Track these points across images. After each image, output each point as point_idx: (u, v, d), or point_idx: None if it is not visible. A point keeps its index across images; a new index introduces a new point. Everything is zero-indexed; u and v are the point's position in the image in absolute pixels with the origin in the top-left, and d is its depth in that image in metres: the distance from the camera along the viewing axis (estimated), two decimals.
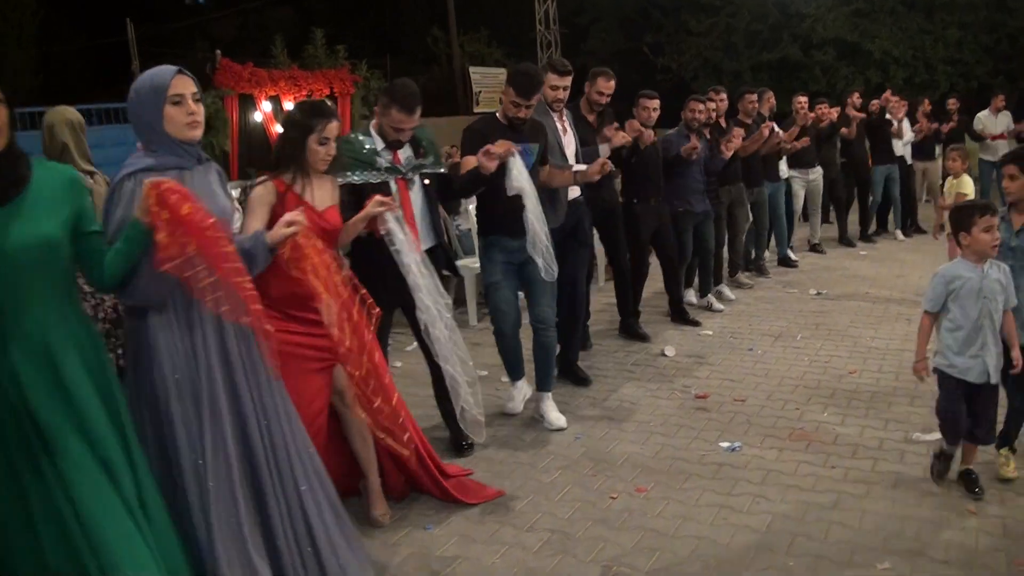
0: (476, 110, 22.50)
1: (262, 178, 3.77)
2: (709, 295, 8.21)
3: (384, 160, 4.44)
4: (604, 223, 6.79)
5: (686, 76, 24.79)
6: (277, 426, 3.27)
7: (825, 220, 11.63)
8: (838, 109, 10.54)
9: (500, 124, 5.12)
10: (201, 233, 2.93)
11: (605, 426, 5.33)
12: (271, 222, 3.58)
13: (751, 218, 9.17)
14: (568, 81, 5.62)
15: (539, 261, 4.82)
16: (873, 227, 11.65)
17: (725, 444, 4.93)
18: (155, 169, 3.06)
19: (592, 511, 4.21)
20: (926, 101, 12.09)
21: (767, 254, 9.91)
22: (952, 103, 12.45)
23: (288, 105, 15.90)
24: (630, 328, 7.28)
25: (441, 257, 4.81)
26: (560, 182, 5.53)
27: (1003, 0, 21.09)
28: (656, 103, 7.07)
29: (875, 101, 11.08)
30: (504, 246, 5.16)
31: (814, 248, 10.78)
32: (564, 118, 5.85)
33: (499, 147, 4.57)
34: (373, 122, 4.55)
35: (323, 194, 3.82)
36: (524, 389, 5.64)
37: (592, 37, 27.54)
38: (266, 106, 15.51)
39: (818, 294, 8.58)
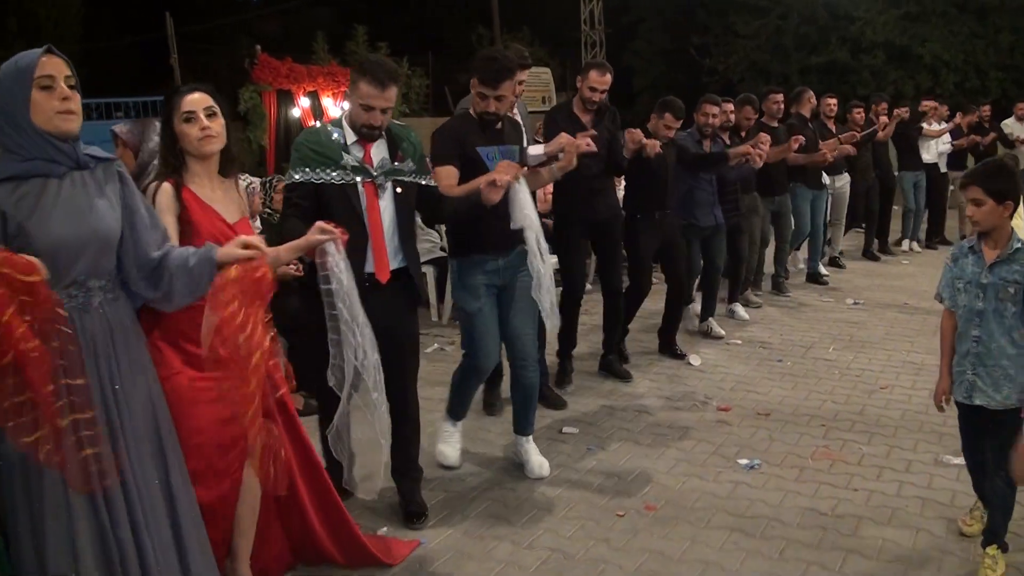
0: None
1: (150, 181, 3.19)
2: (710, 319, 7.36)
3: (352, 158, 3.75)
4: (600, 237, 6.08)
5: (733, 78, 24.42)
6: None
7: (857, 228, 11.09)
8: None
9: (479, 125, 4.42)
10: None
11: (620, 437, 5.12)
12: (188, 237, 3.07)
13: (771, 231, 8.61)
14: (524, 75, 5.05)
15: (545, 305, 4.16)
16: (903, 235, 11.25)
17: (744, 461, 4.70)
18: (15, 178, 2.54)
19: (596, 529, 4.01)
20: (974, 110, 11.69)
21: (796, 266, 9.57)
22: (985, 110, 12.00)
23: (327, 101, 15.87)
24: (610, 365, 6.29)
25: (410, 287, 4.01)
26: (540, 183, 4.74)
27: None
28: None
29: (897, 110, 10.35)
30: (485, 266, 4.41)
31: (833, 262, 10.07)
32: (514, 112, 4.96)
33: (506, 173, 3.86)
34: (345, 112, 3.94)
35: (229, 203, 3.26)
36: (459, 433, 4.83)
37: (638, 37, 27.25)
38: (304, 102, 15.47)
39: (855, 304, 8.31)
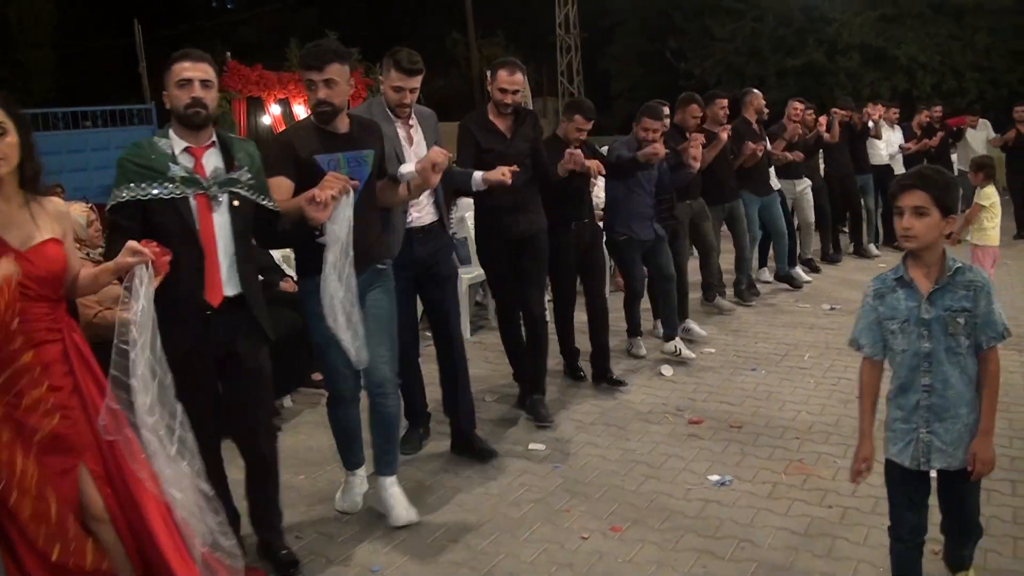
0: None
1: None
2: (676, 339, 6.69)
3: (181, 168, 3.34)
4: (521, 255, 5.38)
5: (710, 81, 24.35)
6: None
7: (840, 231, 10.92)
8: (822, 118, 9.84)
9: (318, 130, 3.87)
10: None
11: (587, 453, 4.93)
12: None
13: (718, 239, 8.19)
14: (416, 82, 4.41)
15: (343, 338, 3.62)
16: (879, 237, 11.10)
17: (715, 477, 4.52)
18: None
19: (559, 553, 3.82)
20: (923, 112, 11.65)
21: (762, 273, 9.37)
22: (936, 111, 11.94)
23: (298, 108, 15.67)
24: (533, 407, 5.51)
25: (245, 315, 3.52)
26: (397, 201, 4.29)
27: None
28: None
29: (835, 111, 9.99)
30: None
31: (807, 264, 9.77)
32: (410, 123, 4.54)
33: (330, 188, 3.45)
34: (173, 122, 3.49)
35: (15, 226, 2.90)
36: (364, 480, 4.37)
37: (615, 41, 27.16)
38: (275, 109, 15.30)
39: (831, 309, 8.16)
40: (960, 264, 2.89)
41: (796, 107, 9.22)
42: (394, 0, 27.59)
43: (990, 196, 7.24)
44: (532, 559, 3.78)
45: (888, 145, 10.83)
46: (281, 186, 3.70)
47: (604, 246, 6.35)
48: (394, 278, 4.28)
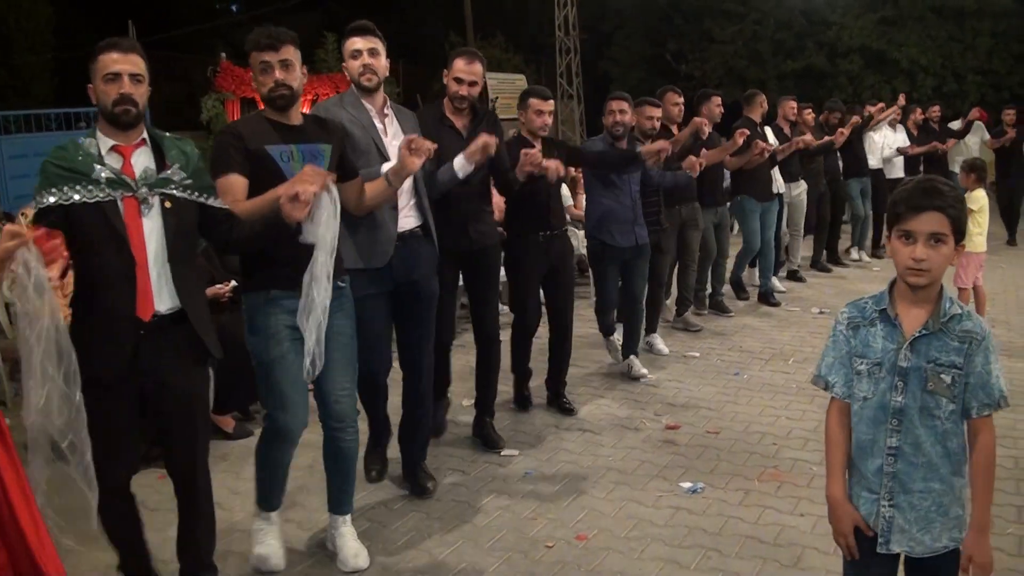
0: None
1: None
2: (632, 357, 6.33)
3: (107, 169, 3.03)
4: (471, 270, 4.99)
5: (710, 84, 24.23)
6: None
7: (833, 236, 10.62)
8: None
9: (268, 121, 3.52)
10: None
11: (560, 459, 4.85)
12: None
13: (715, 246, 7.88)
14: (372, 42, 4.06)
15: (309, 339, 3.29)
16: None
17: (687, 485, 4.43)
18: None
19: (522, 563, 3.73)
20: (917, 110, 11.44)
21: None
22: (934, 111, 11.74)
23: None
24: (482, 429, 5.16)
25: (183, 334, 3.18)
26: (381, 198, 3.88)
27: None
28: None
29: (854, 119, 9.80)
30: (288, 304, 3.46)
31: (792, 275, 9.51)
32: (386, 112, 4.16)
33: (311, 183, 3.11)
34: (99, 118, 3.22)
35: None
36: (278, 524, 3.83)
37: (615, 44, 27.05)
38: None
39: (820, 313, 8.06)
40: (959, 309, 2.35)
41: (792, 105, 9.01)
42: (393, 2, 27.51)
43: (979, 200, 7.14)
44: (495, 567, 3.70)
45: (885, 148, 10.65)
46: (235, 185, 3.39)
47: (575, 261, 5.97)
48: (368, 290, 4.03)
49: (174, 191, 3.14)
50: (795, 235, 9.50)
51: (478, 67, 4.63)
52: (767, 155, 7.93)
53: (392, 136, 4.12)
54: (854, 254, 10.74)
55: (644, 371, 6.27)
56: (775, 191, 8.63)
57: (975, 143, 11.85)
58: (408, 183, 4.08)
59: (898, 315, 2.38)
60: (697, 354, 6.82)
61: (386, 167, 3.91)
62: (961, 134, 11.67)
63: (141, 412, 3.20)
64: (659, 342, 6.94)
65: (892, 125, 10.79)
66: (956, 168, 11.53)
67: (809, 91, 20.13)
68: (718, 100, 7.70)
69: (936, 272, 2.29)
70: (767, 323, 7.75)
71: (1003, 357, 6.36)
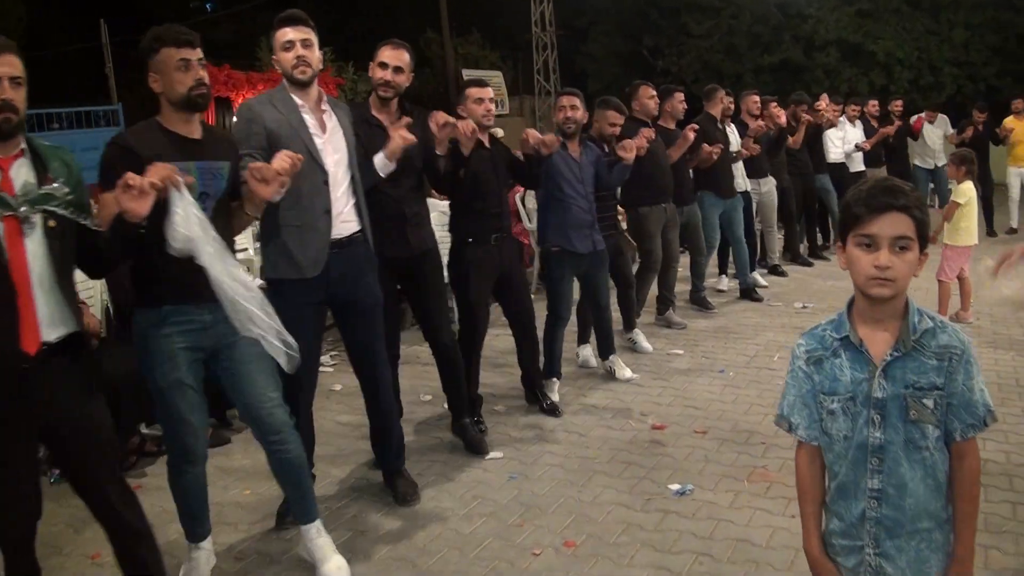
0: None
1: None
2: (612, 356, 6.14)
3: None
4: (411, 279, 4.71)
5: (686, 79, 24.21)
6: None
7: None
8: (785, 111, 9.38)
9: (164, 131, 3.18)
10: None
11: (546, 462, 4.74)
12: None
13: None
14: (304, 32, 3.77)
15: (271, 340, 3.07)
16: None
17: (675, 487, 4.34)
18: None
19: (509, 572, 3.62)
20: (872, 103, 11.28)
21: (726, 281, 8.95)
22: (896, 104, 11.52)
23: None
24: (463, 431, 4.99)
25: (76, 365, 2.87)
26: (239, 224, 3.57)
27: None
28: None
29: (805, 116, 9.65)
30: (183, 323, 3.20)
31: (774, 270, 9.42)
32: (323, 108, 3.89)
33: (153, 173, 2.80)
34: None
35: None
36: (212, 553, 3.67)
37: (591, 40, 26.99)
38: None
39: (804, 307, 8.00)
40: (931, 321, 2.03)
41: (754, 99, 8.87)
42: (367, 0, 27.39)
43: (966, 193, 7.10)
44: None
45: (845, 142, 10.49)
46: (109, 203, 2.94)
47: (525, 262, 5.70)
48: (300, 301, 3.80)
49: (57, 208, 2.76)
50: (768, 230, 9.43)
51: (405, 55, 4.36)
52: (716, 156, 7.66)
53: (330, 133, 3.87)
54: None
55: (628, 372, 6.10)
56: (744, 187, 8.55)
57: (938, 137, 11.75)
58: (345, 185, 3.91)
59: (863, 340, 2.06)
60: (681, 352, 6.73)
61: (378, 160, 4.05)
62: (908, 133, 11.55)
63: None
64: (642, 339, 6.81)
65: (851, 120, 10.68)
66: (918, 162, 11.49)
67: (786, 85, 20.13)
68: (681, 96, 7.56)
69: (902, 283, 1.98)
70: (751, 319, 7.68)
71: (988, 348, 6.35)
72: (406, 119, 4.13)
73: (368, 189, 4.10)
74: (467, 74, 22.86)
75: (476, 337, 5.18)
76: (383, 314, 4.22)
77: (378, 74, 4.36)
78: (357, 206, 3.99)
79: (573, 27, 25.95)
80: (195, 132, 3.24)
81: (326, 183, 3.82)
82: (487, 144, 5.00)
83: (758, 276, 8.89)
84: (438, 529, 4.03)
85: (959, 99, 19.89)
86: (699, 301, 8.06)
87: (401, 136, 4.03)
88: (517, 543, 3.86)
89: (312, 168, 3.73)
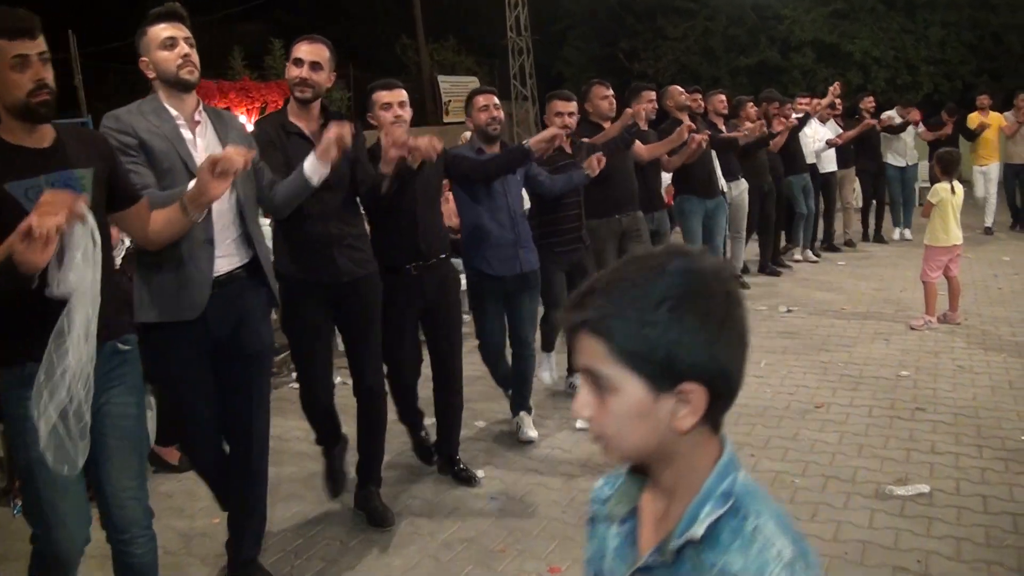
0: (445, 120, 21.86)
1: None
2: (521, 414, 5.23)
3: None
4: (341, 309, 4.03)
5: (663, 82, 24.08)
6: None
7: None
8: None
9: (7, 147, 2.62)
10: None
11: (528, 482, 4.55)
12: None
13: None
14: (181, 29, 3.21)
15: (42, 426, 2.43)
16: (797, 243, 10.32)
17: None
18: None
19: None
20: (833, 88, 10.37)
21: None
22: (868, 102, 11.10)
23: (240, 118, 15.24)
24: (366, 501, 4.24)
25: None
26: (176, 228, 3.02)
27: None
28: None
29: (783, 120, 9.27)
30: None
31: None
32: (197, 119, 3.29)
33: (50, 212, 2.30)
34: None
35: None
36: None
37: (567, 44, 26.86)
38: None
39: (788, 311, 7.85)
40: (734, 522, 1.16)
41: (720, 99, 8.54)
42: (341, 6, 27.13)
43: (938, 193, 6.98)
44: None
45: (815, 142, 10.14)
46: None
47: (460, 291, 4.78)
48: (175, 350, 3.25)
49: None
50: (737, 238, 8.94)
51: (324, 51, 3.80)
52: (704, 145, 7.14)
53: (204, 150, 3.25)
54: (797, 254, 10.20)
55: (532, 433, 5.11)
56: (723, 189, 8.24)
57: (909, 135, 11.56)
58: (230, 210, 3.29)
59: (641, 509, 1.29)
60: None
61: (308, 164, 3.45)
62: (898, 129, 11.33)
63: None
64: (546, 372, 5.86)
65: (822, 120, 10.31)
66: (890, 159, 11.25)
67: (764, 86, 20.01)
68: (651, 95, 6.88)
69: (618, 441, 1.19)
70: None
71: (979, 350, 6.23)
72: (345, 124, 3.52)
73: (292, 210, 3.61)
74: (443, 80, 22.73)
75: (404, 383, 4.59)
76: (313, 356, 3.92)
77: (293, 72, 3.76)
78: (244, 236, 3.36)
79: (549, 31, 25.82)
80: (44, 140, 2.66)
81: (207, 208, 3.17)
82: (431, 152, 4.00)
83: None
84: (416, 557, 3.83)
85: (936, 97, 19.84)
86: None
87: (335, 131, 3.41)
88: (499, 570, 3.67)
89: None
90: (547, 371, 5.84)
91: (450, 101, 22.06)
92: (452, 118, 21.65)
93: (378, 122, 4.15)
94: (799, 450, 4.73)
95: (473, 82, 23.36)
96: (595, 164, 5.13)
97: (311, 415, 4.26)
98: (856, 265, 9.91)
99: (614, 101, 6.24)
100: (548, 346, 5.85)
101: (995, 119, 11.48)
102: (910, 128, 11.42)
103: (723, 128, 8.51)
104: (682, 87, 8.11)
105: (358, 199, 4.07)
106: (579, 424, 5.23)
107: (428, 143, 3.79)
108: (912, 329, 7.00)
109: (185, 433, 3.46)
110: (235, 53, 17.20)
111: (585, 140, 5.68)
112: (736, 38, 23.48)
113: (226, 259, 3.29)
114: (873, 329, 7.10)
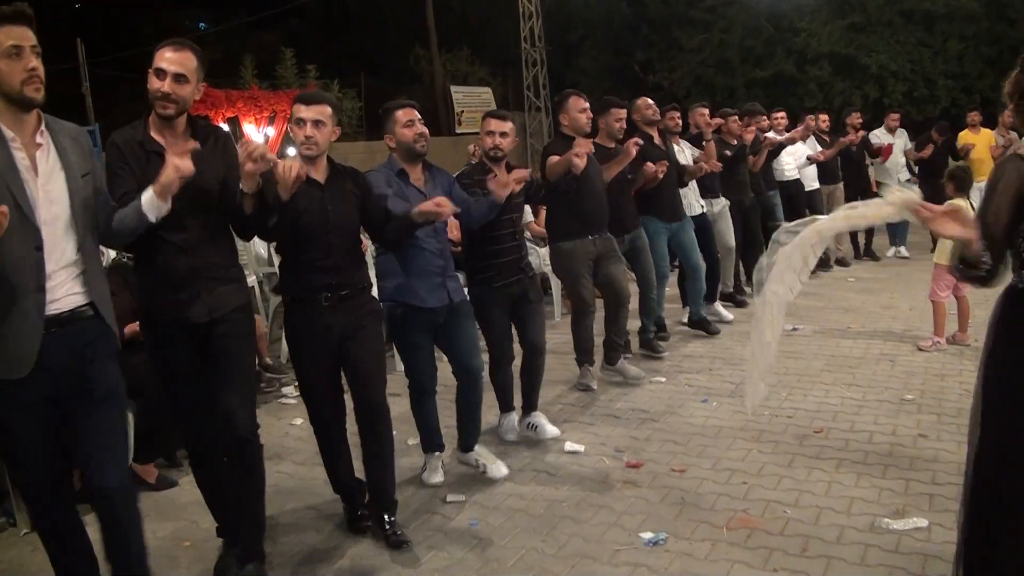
0: (458, 130, 21.76)
1: None
2: (475, 451, 4.86)
3: None
4: (204, 350, 3.53)
5: (678, 94, 23.96)
6: None
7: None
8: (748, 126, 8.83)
9: None
10: None
11: (510, 506, 4.37)
12: None
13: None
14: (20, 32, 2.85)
15: None
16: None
17: (647, 535, 3.96)
18: None
19: None
20: (809, 118, 10.40)
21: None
22: (855, 118, 10.86)
23: (248, 127, 15.16)
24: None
25: None
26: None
27: (1004, 11, 20.30)
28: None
29: (768, 138, 9.16)
30: None
31: (729, 297, 8.45)
32: (39, 142, 2.96)
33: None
34: None
35: None
36: None
37: (582, 54, 26.77)
38: (223, 128, 14.74)
39: (793, 329, 7.65)
40: None
41: (702, 112, 8.10)
42: (355, 17, 27.11)
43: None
44: None
45: (796, 158, 9.83)
46: None
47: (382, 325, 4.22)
48: (10, 407, 2.92)
49: None
50: (726, 255, 8.30)
51: (190, 59, 3.30)
52: (661, 175, 6.66)
53: (45, 177, 2.91)
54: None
55: (503, 469, 4.74)
56: (699, 209, 7.79)
57: (897, 151, 11.27)
58: (68, 245, 2.96)
59: None
60: (663, 379, 6.38)
61: (145, 198, 3.05)
62: (872, 154, 11.03)
63: None
64: (543, 421, 5.33)
65: (803, 138, 10.02)
66: (881, 178, 10.95)
67: (779, 99, 19.88)
68: (620, 113, 6.48)
69: None
70: (736, 343, 7.32)
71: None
72: (191, 143, 3.19)
73: (139, 235, 3.20)
74: (456, 91, 22.64)
75: (320, 428, 4.10)
76: (176, 403, 3.53)
77: (154, 84, 3.26)
78: (88, 272, 3.04)
79: (563, 42, 25.72)
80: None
81: (39, 248, 2.84)
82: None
83: (721, 309, 8.13)
84: None
85: (954, 112, 19.63)
86: (648, 345, 7.00)
87: (174, 166, 3.02)
88: None
89: (23, 229, 2.80)
90: (511, 432, 5.31)
91: (463, 112, 21.98)
92: (465, 128, 21.56)
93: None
94: (794, 478, 4.54)
95: (486, 93, 23.28)
96: (497, 186, 4.48)
97: (201, 472, 3.82)
98: (867, 281, 9.70)
99: (591, 116, 5.96)
100: (506, 406, 5.31)
101: (986, 136, 11.14)
102: (900, 144, 11.20)
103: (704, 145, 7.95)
104: (674, 104, 7.95)
105: (242, 228, 3.61)
106: (568, 447, 5.08)
107: (286, 170, 3.35)
108: (920, 350, 6.80)
109: (24, 494, 3.16)
110: (247, 62, 17.10)
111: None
112: (752, 50, 23.37)
113: (68, 299, 2.97)
114: (879, 350, 6.90)
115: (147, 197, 3.06)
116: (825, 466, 4.67)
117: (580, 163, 5.10)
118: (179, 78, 3.27)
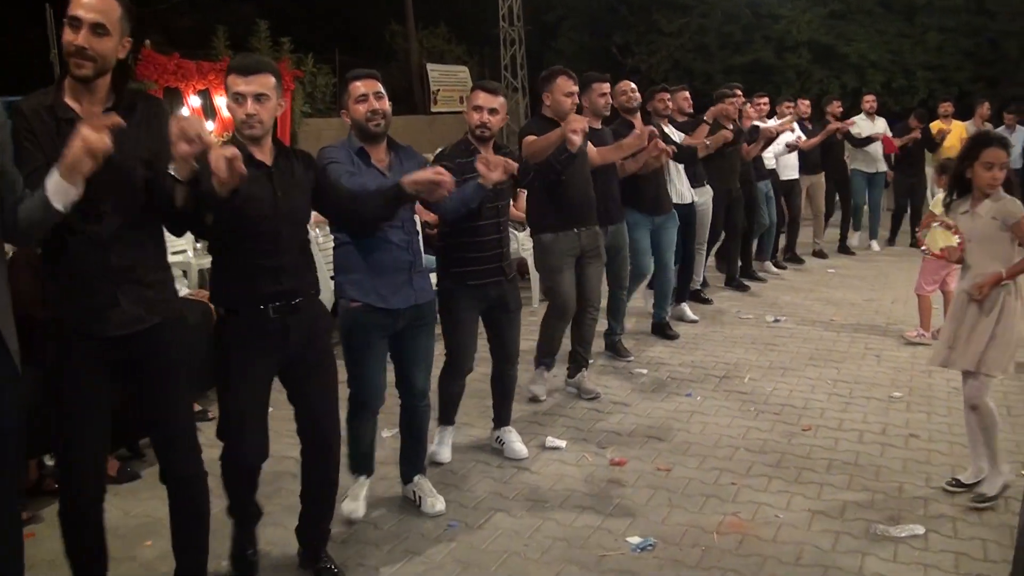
0: (434, 109, 21.44)
1: None
2: (417, 479, 4.23)
3: None
4: (129, 373, 2.92)
5: (656, 78, 23.76)
6: None
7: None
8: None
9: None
10: None
11: (490, 506, 4.18)
12: None
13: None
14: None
15: None
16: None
17: (634, 540, 3.79)
18: None
19: None
20: (786, 103, 9.99)
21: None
22: (835, 106, 10.57)
23: (220, 100, 14.77)
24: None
25: None
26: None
27: (984, 4, 20.27)
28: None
29: (766, 127, 8.78)
30: None
31: (695, 295, 8.01)
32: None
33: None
34: None
35: None
36: None
37: (560, 35, 26.49)
38: (194, 101, 14.31)
39: (775, 321, 7.51)
40: None
41: (684, 96, 7.81)
42: None
43: (939, 204, 6.63)
44: None
45: (774, 144, 9.21)
46: None
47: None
48: None
49: None
50: (698, 250, 7.78)
51: (112, 6, 2.67)
52: (668, 156, 6.25)
53: None
54: (770, 267, 9.62)
55: (440, 506, 4.11)
56: (690, 198, 7.31)
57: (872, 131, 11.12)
58: None
59: None
60: (644, 371, 6.21)
61: (50, 183, 2.47)
62: (861, 143, 10.83)
63: None
64: (513, 438, 4.83)
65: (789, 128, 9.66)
66: (859, 166, 10.83)
67: (757, 86, 19.69)
68: (604, 88, 5.91)
69: None
70: (719, 335, 7.17)
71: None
72: (111, 116, 2.56)
73: (47, 228, 2.64)
74: (432, 69, 22.30)
75: (243, 462, 3.32)
76: (76, 432, 2.84)
77: (67, 36, 2.64)
78: None
79: (542, 22, 25.43)
80: None
81: None
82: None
83: (687, 308, 7.68)
84: None
85: (931, 103, 19.59)
86: (614, 347, 6.56)
87: (83, 140, 2.44)
88: None
89: None
90: (445, 448, 4.76)
91: (439, 90, 21.63)
92: (441, 107, 21.24)
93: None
94: (784, 479, 4.38)
95: (463, 71, 22.96)
96: (486, 169, 3.82)
97: (65, 523, 3.03)
98: (845, 274, 9.58)
99: (576, 103, 5.33)
100: (447, 418, 4.76)
101: (957, 127, 10.98)
102: (874, 127, 11.01)
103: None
104: (664, 85, 7.65)
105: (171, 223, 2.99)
106: (548, 443, 4.89)
107: (218, 158, 2.65)
108: (907, 343, 6.68)
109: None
110: (220, 33, 16.64)
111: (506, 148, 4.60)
112: (731, 36, 23.23)
113: None
114: (864, 344, 6.77)
115: (53, 181, 2.48)
116: (816, 466, 4.53)
117: (577, 140, 4.52)
118: (97, 29, 2.63)
